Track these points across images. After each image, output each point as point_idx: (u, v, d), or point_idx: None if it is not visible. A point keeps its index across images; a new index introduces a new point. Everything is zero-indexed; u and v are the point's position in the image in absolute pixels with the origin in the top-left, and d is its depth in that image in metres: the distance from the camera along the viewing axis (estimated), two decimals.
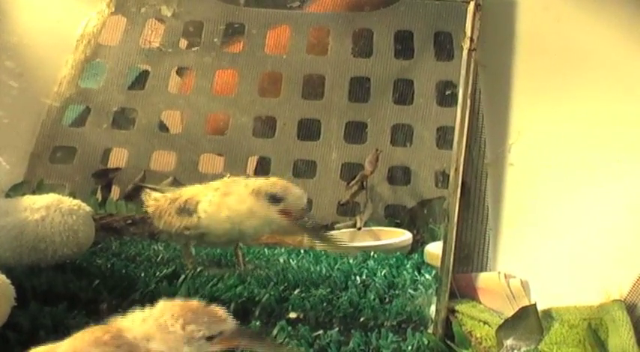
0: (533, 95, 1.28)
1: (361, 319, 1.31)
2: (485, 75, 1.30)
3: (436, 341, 1.26)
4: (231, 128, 1.91)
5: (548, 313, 1.24)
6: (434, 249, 1.57)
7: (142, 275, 1.48)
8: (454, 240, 1.29)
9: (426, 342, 1.25)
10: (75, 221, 1.48)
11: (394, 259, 1.61)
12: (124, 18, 1.82)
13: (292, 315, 1.29)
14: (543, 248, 1.28)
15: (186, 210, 1.45)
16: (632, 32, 1.27)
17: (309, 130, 1.88)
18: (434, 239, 1.66)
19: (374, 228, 1.74)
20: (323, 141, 1.85)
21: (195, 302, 0.98)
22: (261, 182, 1.41)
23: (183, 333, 0.93)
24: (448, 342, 1.26)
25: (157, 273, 1.49)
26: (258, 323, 1.26)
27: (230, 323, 0.97)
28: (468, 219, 1.33)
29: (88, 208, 1.54)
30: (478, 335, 1.26)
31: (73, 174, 1.91)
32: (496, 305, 1.30)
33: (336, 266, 1.51)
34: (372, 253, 1.62)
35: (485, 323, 1.27)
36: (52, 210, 1.47)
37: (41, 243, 1.45)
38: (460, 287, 1.33)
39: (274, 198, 1.37)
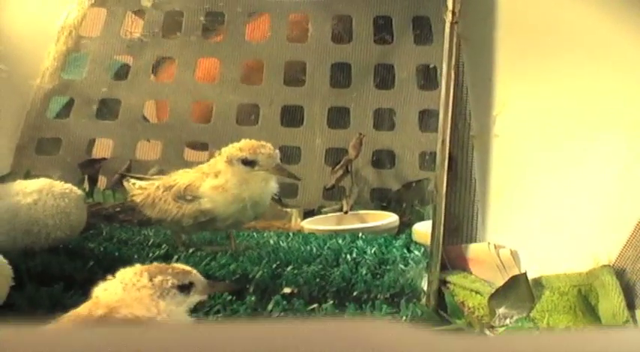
0: (517, 67, 1.29)
1: (354, 293, 1.32)
2: (468, 48, 1.31)
3: (429, 312, 1.27)
4: (215, 116, 1.91)
5: (538, 281, 1.26)
6: (422, 228, 1.58)
7: (136, 256, 1.49)
8: (443, 213, 1.30)
9: (419, 313, 1.26)
10: (67, 204, 1.50)
11: (382, 239, 1.62)
12: (104, 9, 1.81)
13: (287, 290, 1.30)
14: (531, 217, 1.30)
15: (184, 197, 1.47)
16: (615, 5, 1.28)
17: (292, 116, 1.89)
18: (420, 220, 1.68)
19: (360, 211, 1.75)
20: (306, 126, 1.85)
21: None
22: (230, 148, 1.44)
23: (153, 286, 0.94)
24: (441, 312, 1.27)
25: (150, 254, 1.50)
26: (253, 298, 1.27)
27: (197, 275, 1.00)
28: (456, 192, 1.34)
29: (79, 191, 1.55)
30: (470, 305, 1.27)
31: (59, 165, 1.91)
32: (487, 275, 1.32)
33: (326, 246, 1.52)
34: (360, 234, 1.62)
35: (477, 292, 1.28)
36: (44, 194, 1.49)
37: (34, 226, 1.47)
38: (451, 259, 1.35)
39: (246, 162, 1.41)
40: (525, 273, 1.24)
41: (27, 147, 1.88)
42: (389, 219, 1.70)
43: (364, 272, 1.38)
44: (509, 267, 1.30)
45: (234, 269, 1.37)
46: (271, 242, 1.57)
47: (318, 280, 1.34)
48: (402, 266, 1.43)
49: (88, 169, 1.90)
